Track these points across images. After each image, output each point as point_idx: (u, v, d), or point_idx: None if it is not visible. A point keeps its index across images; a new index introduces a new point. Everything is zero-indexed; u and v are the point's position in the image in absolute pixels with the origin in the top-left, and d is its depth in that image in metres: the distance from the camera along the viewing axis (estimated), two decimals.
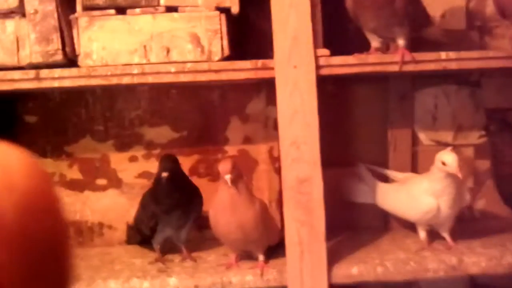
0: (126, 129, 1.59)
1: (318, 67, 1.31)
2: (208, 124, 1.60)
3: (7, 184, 0.45)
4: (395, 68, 1.34)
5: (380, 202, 1.52)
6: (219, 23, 1.31)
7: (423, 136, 1.64)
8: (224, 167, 1.31)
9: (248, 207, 1.34)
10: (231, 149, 1.61)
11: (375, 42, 1.40)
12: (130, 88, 1.57)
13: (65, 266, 0.51)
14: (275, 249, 1.43)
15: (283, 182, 1.33)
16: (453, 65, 1.35)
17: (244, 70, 1.31)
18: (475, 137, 1.65)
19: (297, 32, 1.29)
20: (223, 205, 1.34)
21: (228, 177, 1.29)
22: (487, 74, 1.63)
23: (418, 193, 1.41)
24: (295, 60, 1.30)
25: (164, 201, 1.41)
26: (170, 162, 1.40)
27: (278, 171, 1.59)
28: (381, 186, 1.53)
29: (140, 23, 1.31)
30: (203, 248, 1.51)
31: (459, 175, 1.33)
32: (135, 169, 1.59)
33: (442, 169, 1.35)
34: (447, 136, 1.65)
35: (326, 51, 1.32)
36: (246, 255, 1.41)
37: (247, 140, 1.61)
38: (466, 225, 1.59)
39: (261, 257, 1.39)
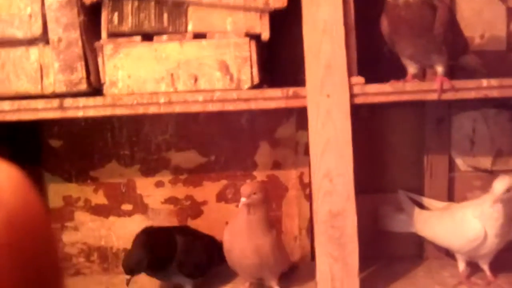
0: (152, 153, 1.54)
1: (352, 95, 1.25)
2: (236, 148, 1.55)
3: None
4: (433, 96, 1.28)
5: (420, 230, 1.45)
6: (249, 50, 1.26)
7: (460, 162, 1.57)
8: (244, 190, 1.27)
9: (264, 233, 1.30)
10: (260, 175, 1.55)
11: (412, 69, 1.33)
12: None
13: (54, 279, 0.51)
14: (284, 277, 1.41)
15: (314, 215, 1.28)
16: (494, 93, 1.28)
17: (275, 99, 1.26)
18: None
19: (330, 60, 1.24)
20: (240, 229, 1.30)
21: (243, 200, 1.25)
22: None
23: (464, 219, 1.34)
24: (328, 88, 1.24)
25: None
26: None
27: (308, 197, 1.54)
28: (422, 213, 1.47)
29: (167, 50, 1.26)
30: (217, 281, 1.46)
31: (496, 202, 1.27)
32: (161, 194, 1.55)
33: (492, 193, 1.29)
34: (486, 161, 1.57)
35: (361, 79, 1.26)
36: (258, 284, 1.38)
37: (277, 165, 1.56)
38: (509, 255, 1.52)
39: (275, 286, 1.35)
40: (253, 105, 1.26)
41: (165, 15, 1.26)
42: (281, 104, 1.26)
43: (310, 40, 1.24)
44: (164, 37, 1.26)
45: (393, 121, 1.56)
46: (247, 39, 1.26)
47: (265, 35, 1.27)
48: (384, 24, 1.29)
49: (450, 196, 1.55)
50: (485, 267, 1.38)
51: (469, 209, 1.35)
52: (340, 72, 1.24)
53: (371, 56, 1.44)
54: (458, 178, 1.57)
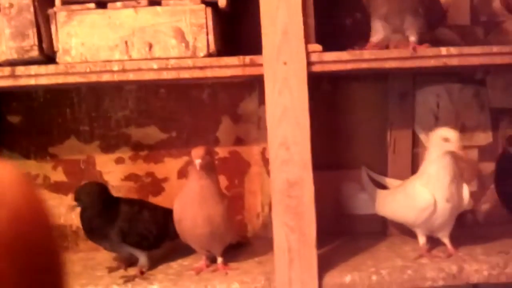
0: (112, 129, 1.52)
1: (309, 63, 1.24)
2: (198, 124, 1.53)
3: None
4: (392, 64, 1.27)
5: (379, 209, 1.44)
6: (205, 17, 1.24)
7: (424, 137, 1.56)
8: (196, 152, 1.25)
9: (217, 201, 1.28)
10: (222, 150, 1.53)
11: (378, 34, 1.31)
12: (117, 87, 1.50)
13: (57, 276, 0.52)
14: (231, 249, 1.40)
15: (271, 185, 1.26)
16: (454, 61, 1.27)
17: (231, 66, 1.24)
18: (480, 138, 1.57)
19: (287, 26, 1.22)
20: (191, 197, 1.27)
21: (198, 161, 1.23)
22: (493, 72, 1.55)
23: (413, 190, 1.34)
24: (285, 56, 1.22)
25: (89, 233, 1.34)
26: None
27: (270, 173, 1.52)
28: (380, 193, 1.45)
29: (121, 17, 1.24)
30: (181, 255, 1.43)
31: (461, 154, 1.27)
32: (122, 171, 1.53)
33: (441, 147, 1.28)
34: None
35: (318, 47, 1.25)
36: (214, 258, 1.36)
37: (239, 141, 1.54)
38: (469, 230, 1.52)
39: (219, 259, 1.34)
40: (209, 73, 1.24)
41: None
42: (238, 72, 1.24)
43: (266, 6, 1.22)
44: (118, 3, 1.24)
45: (356, 95, 1.54)
46: (203, 5, 1.24)
47: (222, 2, 1.25)
48: None
49: (414, 172, 1.53)
50: (446, 240, 1.36)
51: (417, 180, 1.34)
52: (297, 39, 1.22)
53: (332, 27, 1.44)
54: (422, 153, 1.55)
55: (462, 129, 1.55)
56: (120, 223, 1.31)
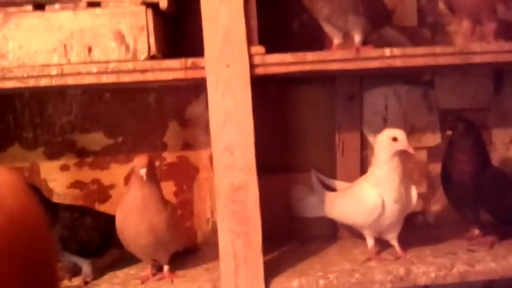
0: (56, 136, 1.48)
1: (252, 66, 1.22)
2: (144, 129, 1.50)
3: None
4: (336, 66, 1.26)
5: (329, 212, 1.43)
6: (145, 19, 1.22)
7: (372, 139, 1.55)
8: (140, 161, 1.22)
9: (160, 209, 1.25)
10: (170, 156, 1.51)
11: (335, 39, 1.32)
12: (61, 92, 1.47)
13: (53, 280, 0.53)
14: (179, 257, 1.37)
15: (216, 190, 1.24)
16: (398, 62, 1.27)
17: (173, 69, 1.22)
18: (428, 139, 1.57)
19: (228, 28, 1.20)
20: (134, 205, 1.24)
21: (144, 171, 1.20)
22: (441, 73, 1.56)
23: (361, 192, 1.33)
24: (227, 58, 1.21)
25: None
26: None
27: None
28: (329, 195, 1.44)
29: (60, 20, 1.21)
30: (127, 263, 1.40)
31: (411, 151, 1.26)
32: (67, 178, 1.49)
33: (390, 148, 1.27)
34: None
35: (260, 49, 1.23)
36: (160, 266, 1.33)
37: (187, 146, 1.51)
38: (419, 232, 1.52)
39: (166, 267, 1.31)
40: (150, 77, 1.21)
41: None
42: (180, 75, 1.22)
43: (207, 8, 1.20)
44: (57, 6, 1.21)
45: (303, 98, 1.53)
46: (144, 7, 1.22)
47: (163, 3, 1.23)
48: None
49: (363, 174, 1.53)
50: (394, 242, 1.36)
51: (365, 181, 1.34)
52: (239, 41, 1.21)
53: (278, 31, 1.43)
54: (370, 156, 1.55)
55: (411, 131, 1.56)
56: (59, 229, 1.27)
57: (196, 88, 1.49)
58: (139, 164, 1.21)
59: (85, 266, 1.31)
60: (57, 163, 1.49)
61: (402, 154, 1.28)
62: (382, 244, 1.39)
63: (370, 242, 1.37)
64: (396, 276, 1.28)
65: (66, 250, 1.28)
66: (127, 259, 1.37)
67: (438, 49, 1.29)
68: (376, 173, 1.30)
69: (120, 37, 1.21)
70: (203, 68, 1.21)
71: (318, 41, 1.48)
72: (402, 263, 1.32)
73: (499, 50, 1.28)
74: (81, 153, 1.49)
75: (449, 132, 1.34)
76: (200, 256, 1.43)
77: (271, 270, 1.27)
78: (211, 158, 1.50)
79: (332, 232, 1.55)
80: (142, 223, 1.23)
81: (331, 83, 1.51)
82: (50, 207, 1.29)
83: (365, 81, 1.53)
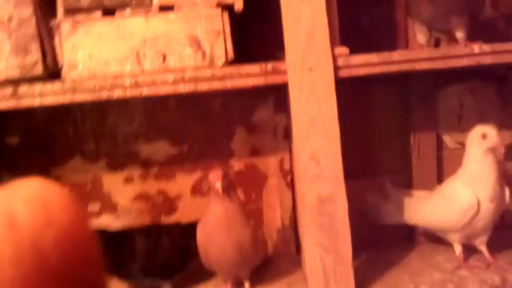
0: (119, 146, 1.41)
1: (336, 68, 1.15)
2: (210, 136, 1.43)
3: (48, 220, 0.46)
4: (422, 65, 1.18)
5: (411, 218, 1.35)
6: (222, 22, 1.15)
7: (448, 139, 1.48)
8: (215, 175, 1.15)
9: (244, 223, 1.18)
10: (237, 163, 1.44)
11: (422, 39, 1.25)
12: (123, 100, 1.39)
13: None
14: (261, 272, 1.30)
15: (301, 202, 1.17)
16: (488, 59, 1.19)
17: (253, 75, 1.14)
18: (504, 136, 1.49)
19: (311, 29, 1.13)
20: (216, 223, 1.17)
21: (218, 184, 1.13)
22: None
23: (452, 192, 1.26)
24: (310, 61, 1.14)
25: None
26: None
27: (290, 185, 1.44)
28: (411, 201, 1.36)
29: (131, 26, 1.14)
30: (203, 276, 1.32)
31: (502, 149, 1.19)
32: (131, 190, 1.42)
33: (481, 145, 1.21)
34: None
35: (345, 50, 1.16)
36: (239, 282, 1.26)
37: (255, 152, 1.44)
38: (499, 234, 1.43)
39: (247, 283, 1.24)
40: (229, 84, 1.14)
41: None
42: (260, 81, 1.15)
43: (288, 7, 1.13)
44: (127, 11, 1.14)
45: (376, 98, 1.46)
46: (219, 10, 1.14)
47: (239, 5, 1.16)
48: None
49: (440, 176, 1.47)
50: (483, 247, 1.28)
51: (457, 180, 1.27)
52: (322, 43, 1.14)
53: (351, 26, 1.35)
54: (446, 156, 1.48)
55: None
56: (140, 259, 1.20)
57: (263, 92, 1.41)
58: (214, 178, 1.14)
59: (166, 286, 1.24)
60: (120, 175, 1.42)
61: (495, 152, 1.21)
62: (467, 250, 1.31)
63: (458, 248, 1.29)
64: (491, 286, 1.21)
65: (147, 276, 1.21)
66: (202, 270, 1.30)
67: None
68: (468, 171, 1.24)
69: (196, 43, 1.14)
70: (284, 72, 1.14)
71: (388, 39, 1.42)
72: (495, 271, 1.25)
73: None
74: (145, 164, 1.42)
75: None
76: (276, 269, 1.36)
77: (360, 284, 1.20)
78: (280, 164, 1.44)
79: (408, 238, 1.47)
80: (228, 240, 1.16)
81: (404, 82, 1.43)
82: (126, 236, 1.22)
83: (439, 79, 1.45)
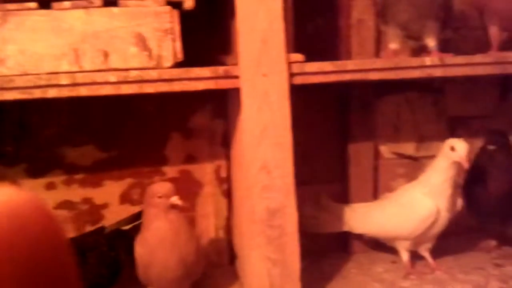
0: (41, 150, 1.28)
1: (291, 75, 1.09)
2: (142, 141, 1.33)
3: (19, 228, 0.47)
4: (376, 76, 1.15)
5: (356, 226, 1.33)
6: (171, 20, 1.06)
7: (384, 149, 1.47)
8: (165, 189, 1.07)
9: (189, 238, 1.11)
10: (171, 170, 1.35)
11: (393, 44, 1.23)
12: (45, 99, 1.27)
13: None
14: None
15: (249, 214, 1.11)
16: (438, 72, 1.18)
17: (203, 79, 1.07)
18: (438, 148, 1.50)
19: (267, 34, 1.07)
20: (162, 238, 1.08)
21: (176, 198, 1.05)
22: (450, 80, 1.49)
23: (412, 200, 1.26)
24: (265, 67, 1.07)
25: None
26: None
27: (226, 194, 1.37)
28: (357, 209, 1.34)
29: (70, 20, 1.03)
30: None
31: (466, 165, 1.20)
32: (54, 198, 1.29)
33: (449, 156, 1.21)
34: (410, 148, 1.49)
35: (300, 56, 1.11)
36: None
37: (190, 158, 1.36)
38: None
39: None
40: (176, 87, 1.06)
41: None
42: (210, 85, 1.07)
43: (244, 11, 1.06)
44: (66, 3, 1.02)
45: (314, 106, 1.41)
46: (169, 7, 1.05)
47: (189, 3, 1.07)
48: None
49: (375, 185, 1.45)
50: (427, 254, 1.30)
51: (416, 189, 1.27)
52: (277, 49, 1.08)
53: (304, 32, 1.31)
54: (382, 166, 1.47)
55: (421, 139, 1.49)
56: None
57: (201, 96, 1.33)
58: (166, 192, 1.05)
59: None
60: (42, 181, 1.29)
61: (460, 165, 1.21)
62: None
63: (405, 255, 1.30)
64: None
65: None
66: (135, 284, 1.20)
67: (477, 59, 1.22)
68: (431, 180, 1.25)
69: (142, 41, 1.05)
70: (237, 77, 1.07)
71: (332, 46, 1.39)
72: (436, 282, 1.24)
73: None
74: (70, 169, 1.30)
75: (491, 147, 1.27)
76: (213, 283, 1.29)
77: None
78: (216, 172, 1.37)
79: (342, 247, 1.45)
80: (172, 256, 1.07)
81: (343, 90, 1.40)
82: None
83: (377, 88, 1.43)
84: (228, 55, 1.18)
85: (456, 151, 1.20)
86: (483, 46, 1.29)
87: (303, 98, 1.38)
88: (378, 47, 1.39)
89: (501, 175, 1.27)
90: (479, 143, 1.50)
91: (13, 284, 0.46)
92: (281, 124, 1.09)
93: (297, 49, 1.13)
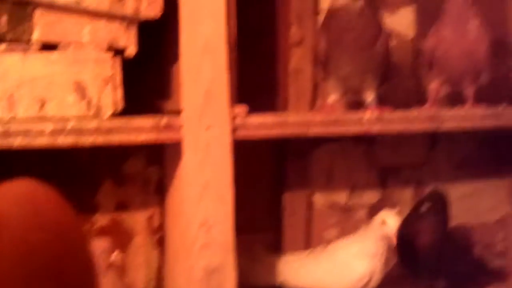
0: None
1: (234, 128, 1.07)
2: (72, 187, 1.26)
3: (37, 221, 0.47)
4: (318, 130, 1.15)
5: (289, 279, 1.30)
6: (112, 68, 1.01)
7: (317, 198, 1.46)
8: (103, 247, 1.02)
9: None
10: (102, 218, 1.28)
11: (333, 96, 1.22)
12: None
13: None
14: None
15: (187, 273, 1.07)
16: (376, 128, 1.19)
17: (144, 130, 1.02)
18: (368, 197, 1.52)
19: (211, 85, 1.04)
20: None
21: (116, 254, 1.01)
22: None
23: (347, 258, 1.25)
24: (209, 119, 1.04)
25: None
26: None
27: (158, 244, 1.32)
28: (290, 261, 1.32)
29: (5, 64, 0.97)
30: None
31: (394, 240, 1.20)
32: None
33: (379, 229, 1.22)
34: (342, 197, 1.49)
35: (243, 108, 1.08)
36: None
37: (122, 206, 1.30)
38: None
39: None
40: (116, 138, 1.01)
41: (4, 18, 0.95)
42: (152, 137, 1.03)
43: (188, 61, 1.03)
44: (2, 46, 0.96)
45: (250, 154, 1.39)
46: (110, 54, 1.01)
47: (131, 50, 1.03)
48: (322, 37, 1.19)
49: (308, 235, 1.44)
50: None
51: (351, 248, 1.26)
52: (222, 100, 1.05)
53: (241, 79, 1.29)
54: (315, 215, 1.46)
55: (353, 188, 1.49)
56: None
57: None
58: (106, 248, 1.00)
59: None
60: None
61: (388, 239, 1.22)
62: None
63: None
64: None
65: None
66: None
67: (413, 114, 1.24)
68: (365, 242, 1.24)
69: (81, 90, 1.00)
70: (179, 129, 1.04)
71: (270, 94, 1.38)
72: None
73: (473, 116, 1.26)
74: None
75: (428, 205, 1.29)
76: None
77: None
78: (148, 221, 1.32)
79: None
80: None
81: (280, 139, 1.39)
82: None
83: (314, 137, 1.43)
84: (169, 99, 1.15)
85: (386, 225, 1.21)
86: (414, 96, 1.33)
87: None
88: (315, 96, 1.40)
89: (432, 229, 1.29)
90: (409, 192, 1.56)
91: (29, 277, 0.45)
92: (223, 180, 1.06)
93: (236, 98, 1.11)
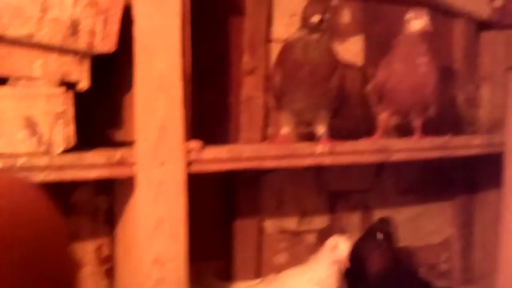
0: None
1: (188, 163, 1.06)
2: None
3: (15, 215, 0.46)
4: (271, 164, 1.16)
5: None
6: (64, 103, 0.99)
7: (268, 224, 1.47)
8: None
9: None
10: None
11: (286, 128, 1.23)
12: None
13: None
14: None
15: None
16: (327, 160, 1.21)
17: (97, 167, 1.00)
18: (318, 222, 1.53)
19: (166, 121, 1.03)
20: None
21: None
22: None
23: (299, 286, 1.25)
24: (163, 155, 1.03)
25: None
26: None
27: (107, 274, 1.29)
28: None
29: None
30: None
31: (346, 264, 1.21)
32: None
33: (330, 255, 1.22)
34: (292, 222, 1.50)
35: (198, 144, 1.08)
36: None
37: (70, 236, 1.27)
38: None
39: None
40: (68, 175, 0.99)
41: None
42: (104, 173, 1.01)
43: (143, 96, 1.02)
44: None
45: (201, 182, 1.38)
46: (62, 89, 0.99)
47: (84, 84, 1.01)
48: (277, 71, 1.19)
49: (258, 262, 1.44)
50: None
51: (302, 276, 1.26)
52: (176, 136, 1.04)
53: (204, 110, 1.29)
54: (265, 241, 1.47)
55: (303, 214, 1.51)
56: None
57: None
58: None
59: None
60: None
61: (340, 264, 1.22)
62: None
63: None
64: None
65: None
66: None
67: (363, 145, 1.26)
68: (316, 270, 1.24)
69: (31, 125, 0.97)
70: (133, 165, 1.02)
71: (222, 122, 1.37)
72: None
73: (420, 148, 1.29)
74: None
75: (380, 236, 1.31)
76: None
77: None
78: (97, 251, 1.29)
79: None
80: None
81: None
82: None
83: None
84: (120, 129, 1.13)
85: (337, 250, 1.21)
86: (362, 124, 1.35)
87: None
88: (267, 123, 1.40)
89: (382, 258, 1.31)
90: (357, 216, 1.58)
91: (8, 271, 0.44)
92: (177, 216, 1.05)
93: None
